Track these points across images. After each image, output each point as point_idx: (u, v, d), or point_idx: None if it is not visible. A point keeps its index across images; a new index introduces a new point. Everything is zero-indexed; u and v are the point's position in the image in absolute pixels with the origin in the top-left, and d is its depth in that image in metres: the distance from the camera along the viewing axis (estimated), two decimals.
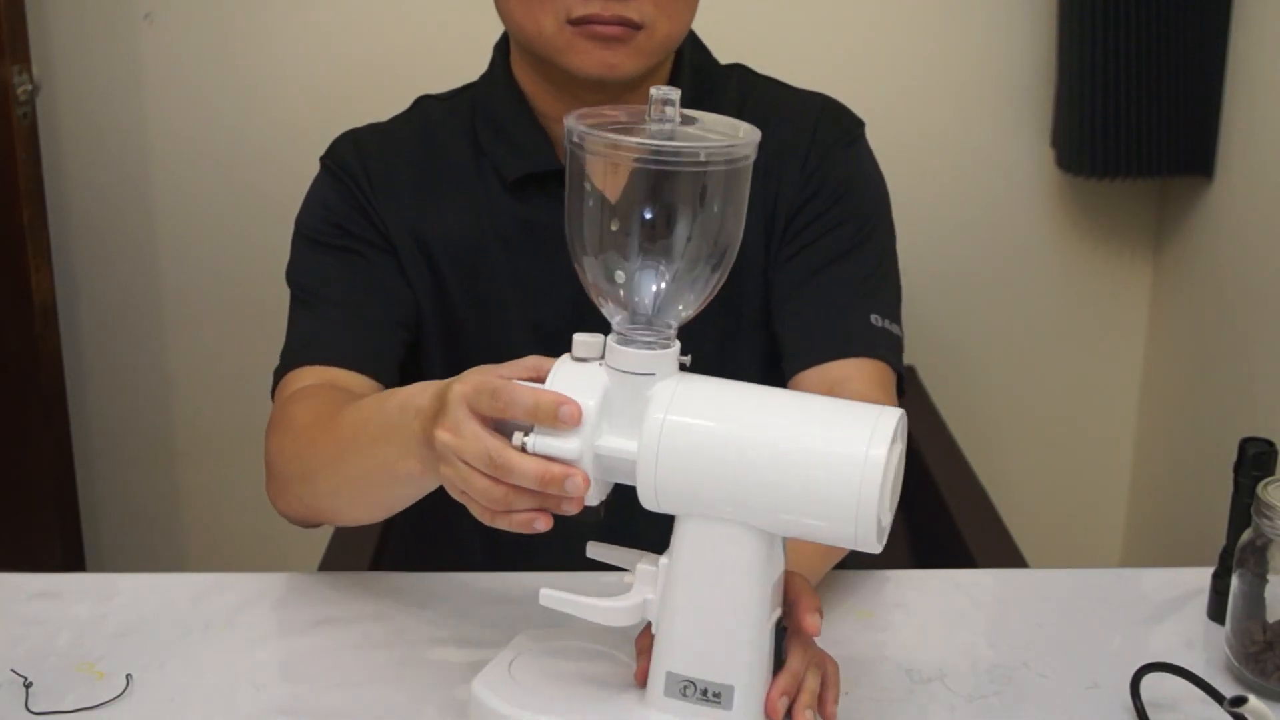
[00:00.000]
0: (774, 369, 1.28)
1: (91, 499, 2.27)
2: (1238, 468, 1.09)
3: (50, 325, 2.05)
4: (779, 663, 0.91)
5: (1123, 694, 1.03)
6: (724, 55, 1.31)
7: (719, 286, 0.90)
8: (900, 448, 0.86)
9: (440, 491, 0.96)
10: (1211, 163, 1.98)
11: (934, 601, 1.16)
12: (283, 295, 2.21)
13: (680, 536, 0.89)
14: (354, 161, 1.29)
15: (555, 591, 0.89)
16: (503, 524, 0.90)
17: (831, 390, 1.18)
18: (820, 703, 0.92)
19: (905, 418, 0.87)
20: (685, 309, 0.90)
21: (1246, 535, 1.04)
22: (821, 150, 1.27)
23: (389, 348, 1.24)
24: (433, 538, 1.34)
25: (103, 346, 2.23)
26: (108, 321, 2.22)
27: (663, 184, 0.86)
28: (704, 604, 0.89)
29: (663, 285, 0.88)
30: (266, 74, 2.11)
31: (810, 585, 0.94)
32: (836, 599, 1.16)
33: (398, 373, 1.24)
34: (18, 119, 1.94)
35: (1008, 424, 2.23)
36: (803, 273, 1.24)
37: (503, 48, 1.30)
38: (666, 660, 0.90)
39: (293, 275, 1.35)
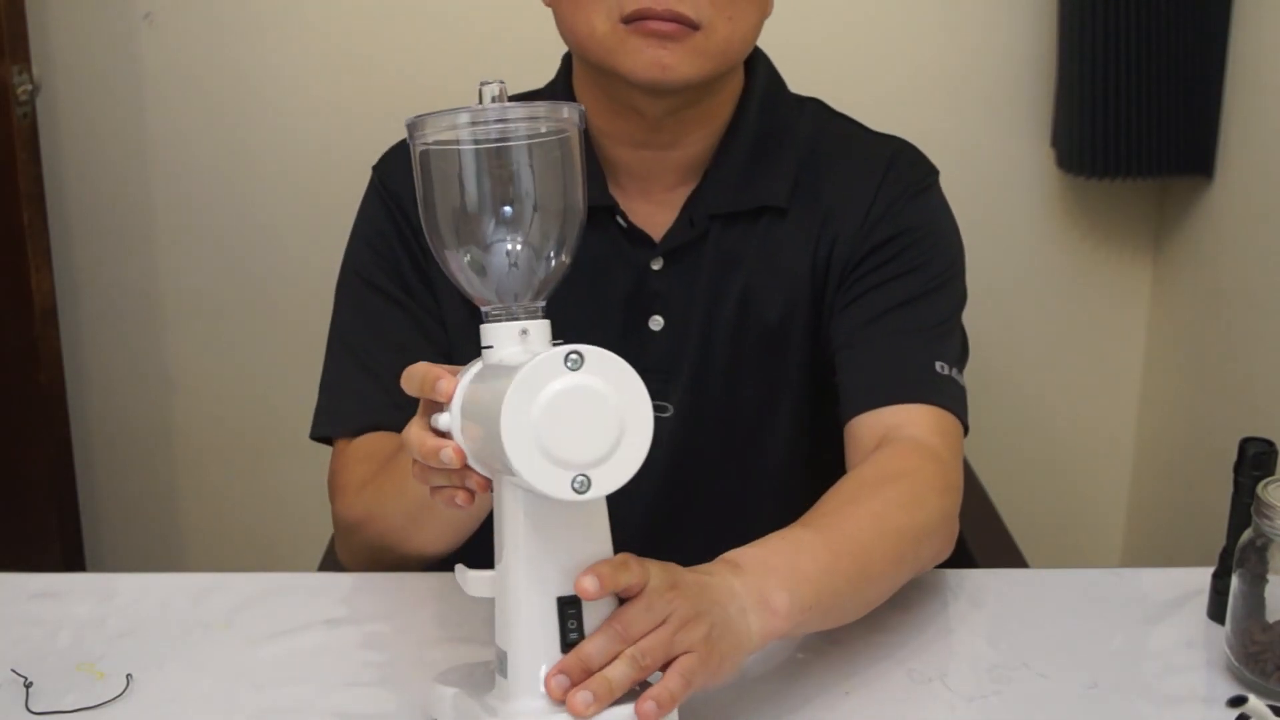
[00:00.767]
0: (819, 416, 1.27)
1: (91, 499, 2.27)
2: (1238, 468, 1.09)
3: (50, 325, 2.05)
4: (568, 643, 0.89)
5: (1123, 694, 1.03)
6: None
7: (551, 265, 0.92)
8: (610, 388, 0.85)
9: None
10: (1211, 163, 1.98)
11: (934, 601, 1.16)
12: (282, 295, 2.22)
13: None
14: (399, 183, 1.28)
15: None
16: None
17: (886, 436, 1.16)
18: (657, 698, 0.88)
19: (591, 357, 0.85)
20: (505, 282, 0.91)
21: (1246, 535, 1.04)
22: (888, 200, 1.24)
23: None
24: None
25: (103, 346, 2.23)
26: (108, 321, 2.22)
27: (490, 160, 0.89)
28: (502, 569, 0.91)
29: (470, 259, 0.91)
30: (266, 74, 2.11)
31: (628, 560, 0.90)
32: None
33: None
34: (18, 119, 1.94)
35: (1008, 424, 2.23)
36: (865, 318, 1.22)
37: (568, 61, 1.28)
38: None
39: (342, 313, 1.32)
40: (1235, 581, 1.04)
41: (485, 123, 0.89)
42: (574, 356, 0.84)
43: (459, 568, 0.95)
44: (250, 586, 1.18)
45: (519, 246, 0.91)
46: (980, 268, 1.30)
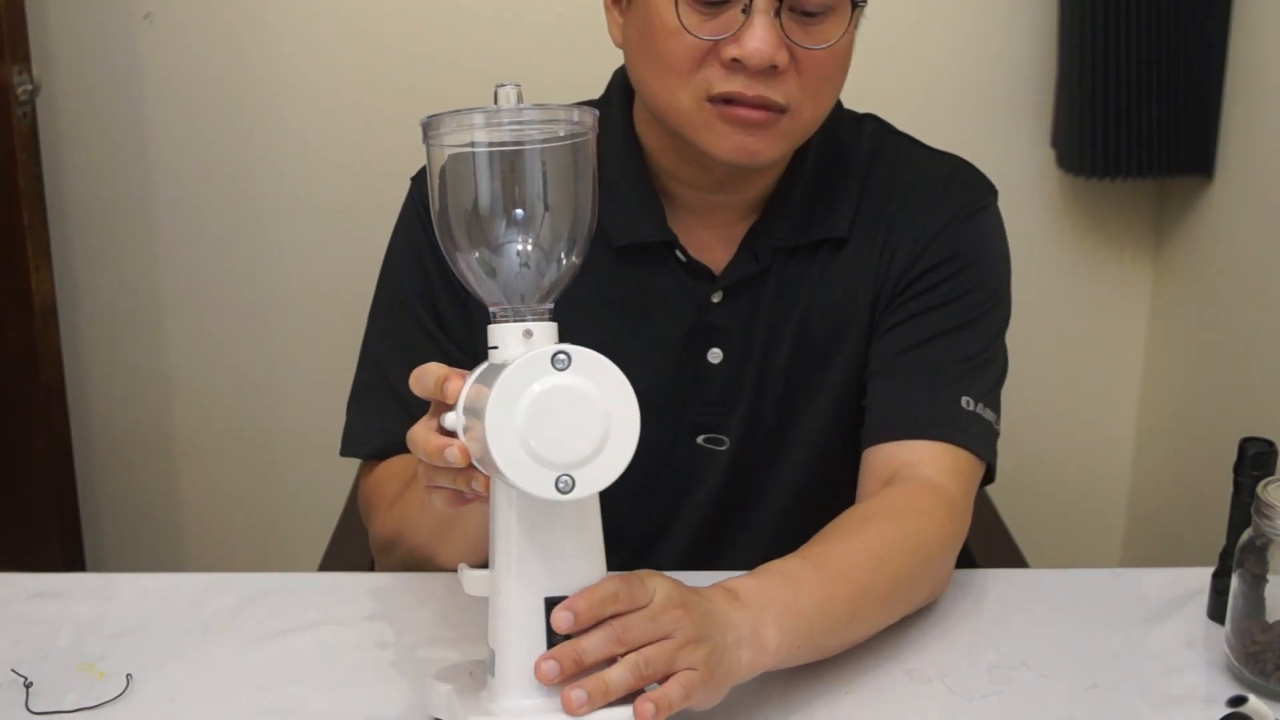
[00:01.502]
0: (852, 434, 1.27)
1: (91, 499, 2.27)
2: (1238, 468, 1.09)
3: (50, 325, 2.05)
4: (554, 643, 0.89)
5: (1123, 694, 1.03)
6: None
7: (561, 266, 0.92)
8: (586, 386, 0.85)
9: None
10: (1211, 163, 1.98)
11: (934, 601, 1.16)
12: (282, 295, 2.22)
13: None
14: None
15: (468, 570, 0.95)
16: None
17: (898, 471, 1.15)
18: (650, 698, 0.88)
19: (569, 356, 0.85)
20: (514, 283, 0.91)
21: (1246, 535, 1.04)
22: (943, 221, 1.23)
23: None
24: None
25: (103, 346, 2.23)
26: (108, 321, 2.22)
27: (502, 164, 0.89)
28: (494, 569, 0.91)
29: (481, 261, 0.91)
30: (266, 74, 2.11)
31: (613, 583, 0.90)
32: None
33: None
34: (18, 119, 1.94)
35: (1007, 424, 2.22)
36: (900, 347, 1.21)
37: (625, 85, 1.23)
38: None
39: (375, 328, 1.30)
40: (1235, 581, 1.04)
41: (500, 124, 0.89)
42: (561, 357, 0.84)
43: (460, 566, 0.95)
44: (250, 586, 1.18)
45: (529, 248, 0.91)
46: None
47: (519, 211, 0.90)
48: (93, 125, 2.13)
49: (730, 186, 1.21)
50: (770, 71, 1.09)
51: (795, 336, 1.25)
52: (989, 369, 1.23)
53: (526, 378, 0.84)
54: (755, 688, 1.02)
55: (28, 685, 1.03)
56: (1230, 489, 1.10)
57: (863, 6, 1.14)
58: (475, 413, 0.87)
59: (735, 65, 1.09)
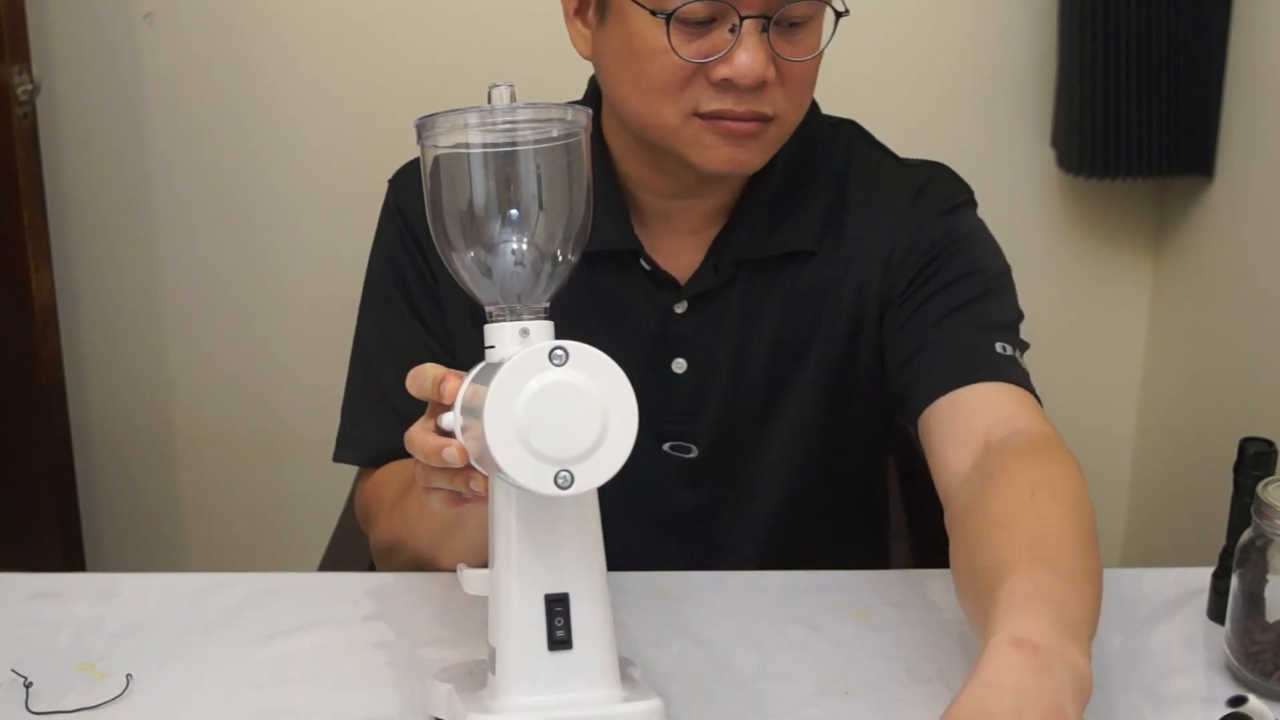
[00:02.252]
0: (839, 456, 1.26)
1: (91, 499, 2.27)
2: (1238, 468, 1.09)
3: (50, 325, 2.05)
4: (554, 640, 0.89)
5: (1123, 694, 1.03)
6: None
7: (556, 265, 0.91)
8: (585, 380, 0.84)
9: None
10: (1211, 163, 1.98)
11: (934, 601, 1.16)
12: (282, 295, 2.22)
13: None
14: (410, 202, 1.27)
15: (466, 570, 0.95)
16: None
17: (989, 438, 1.07)
18: None
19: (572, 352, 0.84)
20: (510, 283, 0.91)
21: (1246, 535, 1.04)
22: (915, 226, 1.21)
23: None
24: None
25: (103, 346, 2.23)
26: (108, 321, 2.22)
27: (498, 163, 0.89)
28: (494, 567, 0.91)
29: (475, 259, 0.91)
30: (266, 74, 2.11)
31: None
32: (835, 599, 1.16)
33: None
34: (18, 119, 1.94)
35: None
36: (922, 328, 1.18)
37: (597, 93, 1.23)
38: None
39: (363, 331, 1.31)
40: (1235, 581, 1.04)
41: (494, 124, 0.89)
42: (559, 352, 0.84)
43: (460, 566, 0.95)
44: (250, 586, 1.18)
45: (525, 247, 0.91)
46: None
47: (514, 211, 0.90)
48: (93, 125, 2.13)
49: (696, 193, 1.21)
50: (759, 86, 1.10)
51: (768, 350, 1.24)
52: (1014, 334, 1.19)
53: (524, 374, 0.84)
54: (755, 687, 1.02)
55: (28, 685, 1.03)
56: (1230, 489, 1.10)
57: (844, 15, 1.14)
58: (473, 412, 0.87)
59: (725, 84, 1.09)
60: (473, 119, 0.89)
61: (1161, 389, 2.19)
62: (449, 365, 1.24)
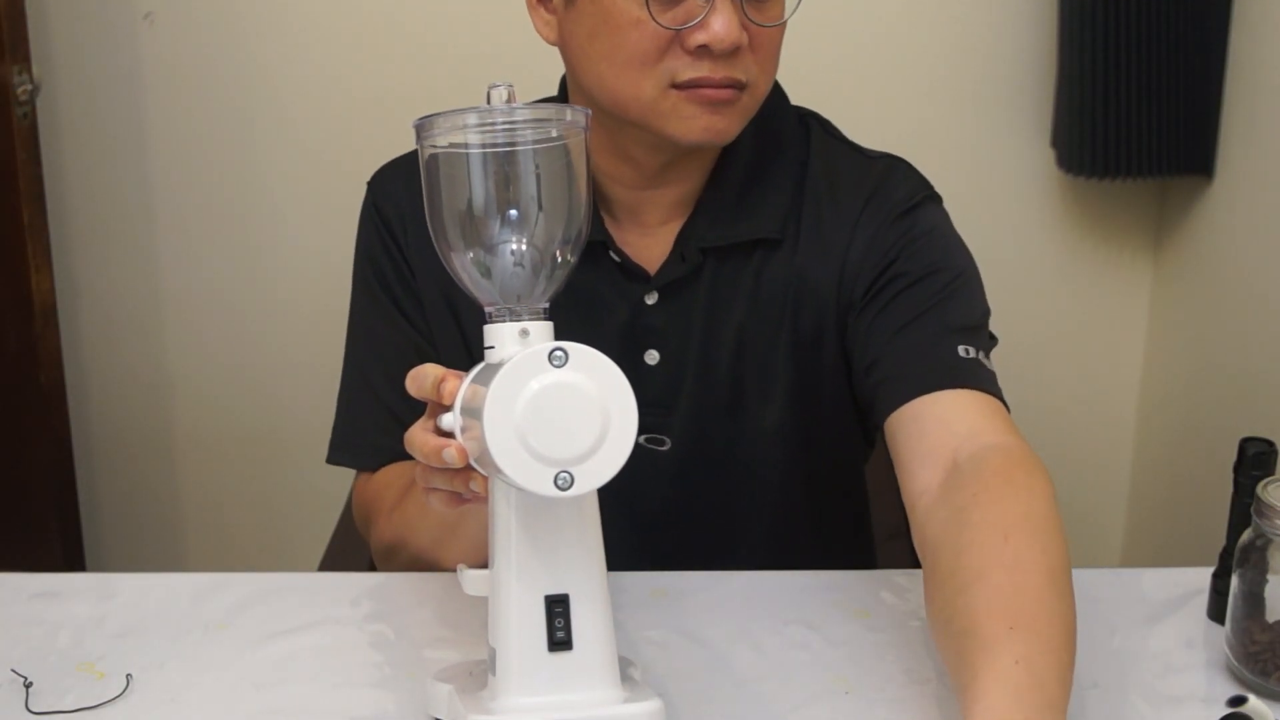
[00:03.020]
0: (813, 445, 1.27)
1: (91, 499, 2.27)
2: (1238, 468, 1.09)
3: (50, 325, 2.05)
4: (554, 641, 0.89)
5: (1123, 694, 1.03)
6: None
7: (556, 265, 0.92)
8: (583, 381, 0.85)
9: None
10: (1211, 163, 1.98)
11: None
12: (282, 295, 2.22)
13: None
14: (386, 202, 1.28)
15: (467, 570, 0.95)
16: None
17: (957, 455, 1.06)
18: None
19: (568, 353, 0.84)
20: (509, 283, 0.91)
21: (1246, 535, 1.04)
22: (871, 231, 1.22)
23: None
24: None
25: (103, 346, 2.23)
26: (108, 321, 2.22)
27: (497, 162, 0.89)
28: (493, 567, 0.91)
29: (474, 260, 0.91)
30: (266, 74, 2.11)
31: None
32: (835, 599, 1.16)
33: None
34: (18, 119, 1.94)
35: None
36: (887, 332, 1.18)
37: (563, 87, 1.26)
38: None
39: (354, 332, 1.32)
40: (1235, 581, 1.04)
41: (493, 125, 0.89)
42: (558, 353, 0.84)
43: (459, 567, 0.95)
44: (250, 586, 1.18)
45: (524, 247, 0.91)
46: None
47: (513, 212, 0.90)
48: (93, 125, 2.13)
49: (661, 181, 1.22)
50: (734, 52, 1.11)
51: (735, 340, 1.25)
52: (979, 335, 1.19)
53: (524, 375, 0.84)
54: (754, 687, 1.02)
55: (28, 685, 1.03)
56: (1230, 489, 1.10)
57: None
58: (473, 412, 0.87)
59: (701, 51, 1.11)
60: (471, 119, 0.89)
61: (1161, 389, 2.19)
62: (436, 360, 1.25)
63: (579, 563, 0.90)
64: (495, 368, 0.87)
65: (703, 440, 1.27)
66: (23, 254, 1.98)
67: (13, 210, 1.96)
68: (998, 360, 1.27)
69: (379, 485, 1.25)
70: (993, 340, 1.23)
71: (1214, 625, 1.12)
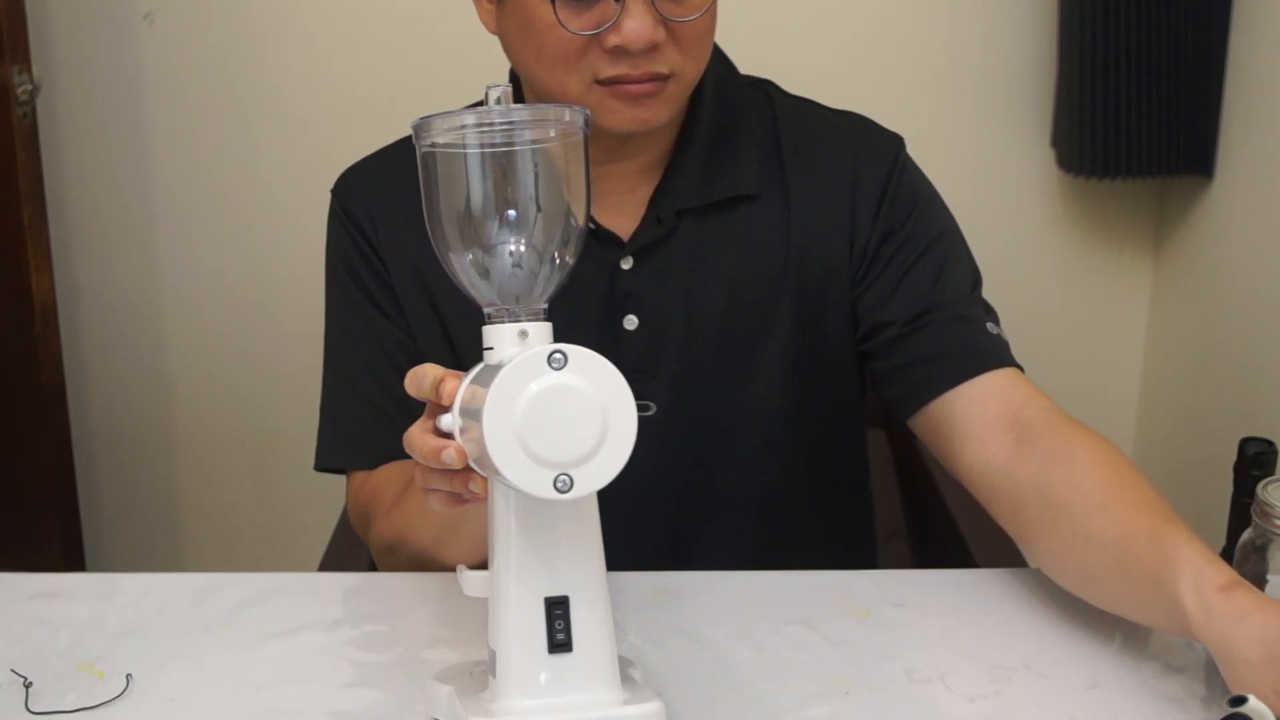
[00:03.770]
0: (803, 404, 1.28)
1: (91, 499, 2.27)
2: (1238, 468, 1.09)
3: (50, 325, 2.05)
4: (555, 643, 0.90)
5: (1123, 694, 1.03)
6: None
7: (554, 266, 0.92)
8: (583, 384, 0.85)
9: None
10: (1211, 163, 1.98)
11: (934, 601, 1.16)
12: (282, 295, 2.22)
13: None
14: (355, 203, 1.29)
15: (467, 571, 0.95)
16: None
17: (1016, 421, 1.17)
18: None
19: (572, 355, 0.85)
20: (508, 284, 0.91)
21: (1246, 535, 1.04)
22: (877, 182, 1.26)
23: None
24: None
25: (103, 346, 2.23)
26: (108, 321, 2.22)
27: (495, 163, 0.90)
28: (493, 569, 0.91)
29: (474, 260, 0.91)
30: (266, 74, 2.11)
31: None
32: (835, 599, 1.16)
33: None
34: (18, 119, 1.94)
35: None
36: (917, 301, 1.23)
37: (517, 81, 1.26)
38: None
39: (333, 335, 1.32)
40: None
41: (491, 125, 0.89)
42: (557, 356, 0.84)
43: (459, 568, 0.95)
44: (250, 586, 1.18)
45: (522, 249, 0.91)
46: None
47: (511, 212, 0.90)
48: (93, 125, 2.13)
49: (623, 154, 1.23)
50: (651, 48, 1.12)
51: (724, 300, 1.25)
52: (979, 291, 1.28)
53: (523, 377, 0.84)
54: (755, 687, 1.02)
55: (28, 685, 1.03)
56: (1230, 489, 1.10)
57: None
58: (472, 414, 0.87)
59: (618, 51, 1.12)
60: (469, 120, 0.89)
61: (1161, 389, 2.19)
62: (417, 355, 1.25)
63: (579, 564, 0.90)
64: (494, 369, 0.86)
65: (690, 404, 1.27)
66: (23, 254, 1.98)
67: (13, 210, 1.96)
68: None
69: (376, 484, 1.25)
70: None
71: None
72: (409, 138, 0.93)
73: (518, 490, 0.84)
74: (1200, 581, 0.96)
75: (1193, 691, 1.03)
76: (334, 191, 1.32)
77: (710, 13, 1.16)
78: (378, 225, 1.27)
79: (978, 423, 1.18)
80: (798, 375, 1.27)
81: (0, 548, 2.06)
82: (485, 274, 0.91)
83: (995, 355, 1.22)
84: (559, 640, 0.89)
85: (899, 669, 1.06)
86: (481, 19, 1.22)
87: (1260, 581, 1.03)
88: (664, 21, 1.12)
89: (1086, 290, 2.20)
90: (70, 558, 2.14)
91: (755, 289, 1.25)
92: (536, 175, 0.91)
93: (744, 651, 1.08)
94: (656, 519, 1.29)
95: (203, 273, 2.19)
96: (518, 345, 0.90)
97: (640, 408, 1.26)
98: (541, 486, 0.84)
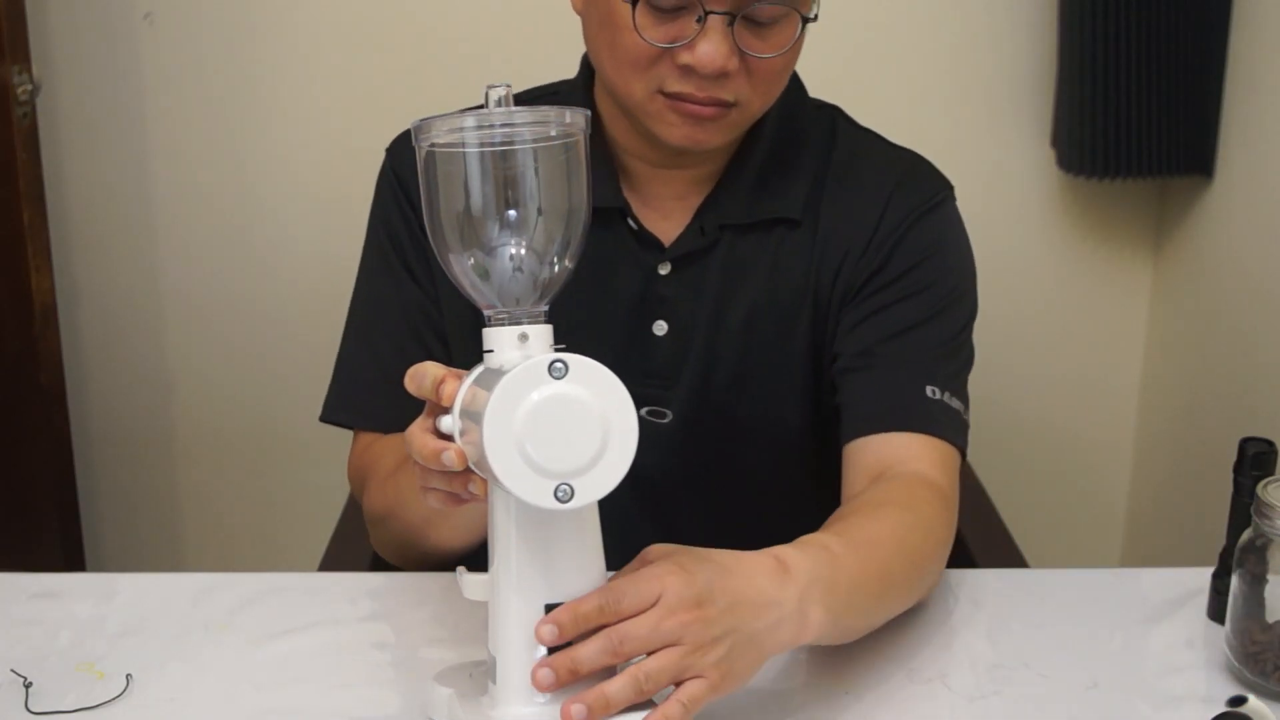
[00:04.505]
0: (818, 428, 1.27)
1: (91, 499, 2.27)
2: (1238, 468, 1.09)
3: (50, 325, 2.05)
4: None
5: (1123, 694, 1.03)
6: None
7: (554, 269, 0.92)
8: (583, 394, 0.85)
9: None
10: (1211, 163, 1.98)
11: (934, 601, 1.16)
12: (282, 295, 2.22)
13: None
14: (405, 168, 1.28)
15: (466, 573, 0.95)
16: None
17: (889, 468, 1.15)
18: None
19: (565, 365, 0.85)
20: (508, 286, 0.91)
21: (1246, 535, 1.04)
22: (894, 221, 1.23)
23: None
24: None
25: (103, 346, 2.23)
26: (108, 321, 2.22)
27: (497, 163, 0.89)
28: (493, 574, 0.91)
29: (477, 263, 0.91)
30: (266, 74, 2.11)
31: (601, 595, 0.89)
32: None
33: None
34: (18, 119, 1.94)
35: (1007, 424, 2.23)
36: (869, 340, 1.22)
37: (589, 66, 1.26)
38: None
39: (359, 295, 1.33)
40: (1235, 581, 1.04)
41: (491, 126, 0.89)
42: (558, 365, 0.84)
43: (459, 570, 0.95)
44: (250, 586, 1.18)
45: (523, 250, 0.91)
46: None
47: (512, 214, 0.90)
48: (93, 125, 2.13)
49: (681, 162, 1.23)
50: (721, 75, 1.11)
51: (745, 317, 1.25)
52: (954, 359, 1.23)
53: (524, 387, 0.84)
54: (754, 688, 1.02)
55: (28, 685, 1.03)
56: (1230, 489, 1.10)
57: (812, 21, 1.15)
58: (472, 416, 0.87)
59: (687, 69, 1.11)
60: (470, 121, 0.89)
61: (1161, 389, 2.19)
62: (442, 327, 1.25)
63: (579, 571, 0.90)
64: (495, 374, 0.86)
65: (703, 416, 1.27)
66: (23, 254, 1.98)
67: (13, 210, 1.96)
68: (997, 361, 1.27)
69: (379, 451, 1.24)
70: (967, 364, 1.25)
71: (1214, 625, 1.12)
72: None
73: (518, 500, 0.84)
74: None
75: (1193, 691, 1.03)
76: (389, 150, 1.31)
77: (792, 52, 1.15)
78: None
79: (860, 476, 1.18)
80: (814, 390, 1.27)
81: (0, 548, 2.06)
82: (485, 276, 0.91)
83: (913, 418, 1.17)
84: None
85: (899, 669, 1.06)
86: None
87: (1260, 581, 1.03)
88: (740, 53, 1.11)
89: (1086, 290, 2.20)
90: (70, 558, 2.14)
91: (778, 306, 1.25)
92: (537, 176, 0.90)
93: None
94: (667, 525, 1.30)
95: (203, 273, 2.19)
96: (518, 348, 0.90)
97: (656, 415, 1.27)
98: (542, 496, 0.84)
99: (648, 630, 0.88)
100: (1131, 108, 1.95)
